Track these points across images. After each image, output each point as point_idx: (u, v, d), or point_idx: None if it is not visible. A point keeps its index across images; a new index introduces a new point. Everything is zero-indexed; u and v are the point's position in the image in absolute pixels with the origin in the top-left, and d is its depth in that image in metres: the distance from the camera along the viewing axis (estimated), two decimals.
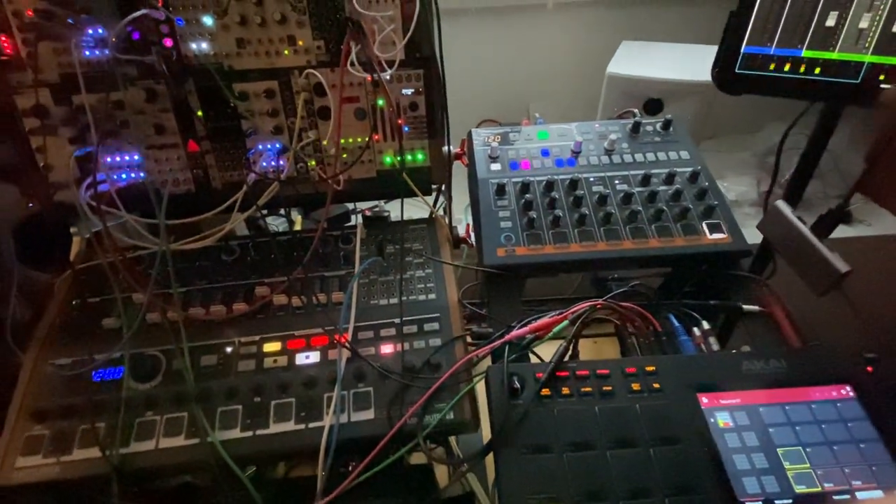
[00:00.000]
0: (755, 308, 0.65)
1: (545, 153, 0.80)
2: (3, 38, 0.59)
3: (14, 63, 0.60)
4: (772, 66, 0.60)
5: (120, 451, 0.54)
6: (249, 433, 0.55)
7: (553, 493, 0.46)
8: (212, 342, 0.61)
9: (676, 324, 0.63)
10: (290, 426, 0.56)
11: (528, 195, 0.73)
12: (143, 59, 0.59)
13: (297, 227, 0.85)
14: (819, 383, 0.54)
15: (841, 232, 0.69)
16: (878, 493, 0.47)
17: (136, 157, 0.64)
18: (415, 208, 0.74)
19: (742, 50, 0.62)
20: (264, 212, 0.70)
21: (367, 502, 0.58)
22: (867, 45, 0.55)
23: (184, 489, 0.61)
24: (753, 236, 0.71)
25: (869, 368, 0.54)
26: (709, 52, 0.68)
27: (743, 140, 1.26)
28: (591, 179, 0.75)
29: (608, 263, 0.69)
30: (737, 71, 0.63)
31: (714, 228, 0.69)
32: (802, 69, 0.58)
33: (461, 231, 0.79)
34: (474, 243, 0.74)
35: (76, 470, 0.54)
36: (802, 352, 0.58)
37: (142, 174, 0.65)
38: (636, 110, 0.89)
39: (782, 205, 0.60)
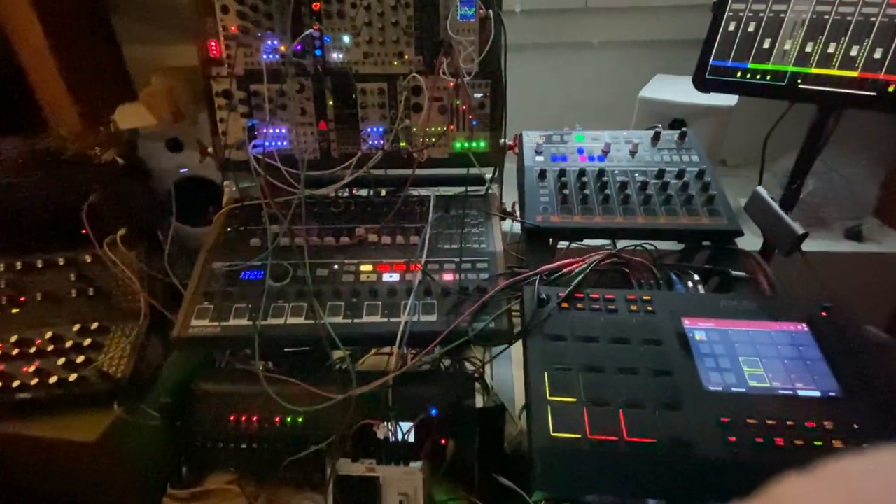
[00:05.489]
0: (742, 273, 0.81)
1: (580, 151, 1.01)
2: (213, 43, 0.88)
3: (217, 60, 0.89)
4: (737, 74, 0.80)
5: (260, 322, 0.78)
6: (348, 320, 0.78)
7: (565, 366, 0.65)
8: (324, 261, 0.85)
9: (675, 278, 0.81)
10: (376, 319, 0.78)
11: (563, 178, 0.93)
12: (302, 62, 0.87)
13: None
14: (781, 321, 0.70)
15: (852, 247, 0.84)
16: (816, 393, 0.62)
17: (283, 130, 0.91)
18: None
19: (710, 63, 0.86)
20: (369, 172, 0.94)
21: (420, 387, 0.78)
22: (789, 59, 0.81)
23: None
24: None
25: (823, 313, 0.70)
26: None
27: (767, 166, 1.41)
28: (616, 171, 0.95)
29: (624, 233, 0.88)
30: (707, 77, 0.86)
31: (713, 213, 0.87)
32: (748, 76, 0.79)
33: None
34: (518, 214, 0.95)
35: (230, 332, 0.78)
36: (771, 298, 0.74)
37: (286, 143, 0.92)
38: (660, 125, 1.09)
39: (761, 189, 0.77)
